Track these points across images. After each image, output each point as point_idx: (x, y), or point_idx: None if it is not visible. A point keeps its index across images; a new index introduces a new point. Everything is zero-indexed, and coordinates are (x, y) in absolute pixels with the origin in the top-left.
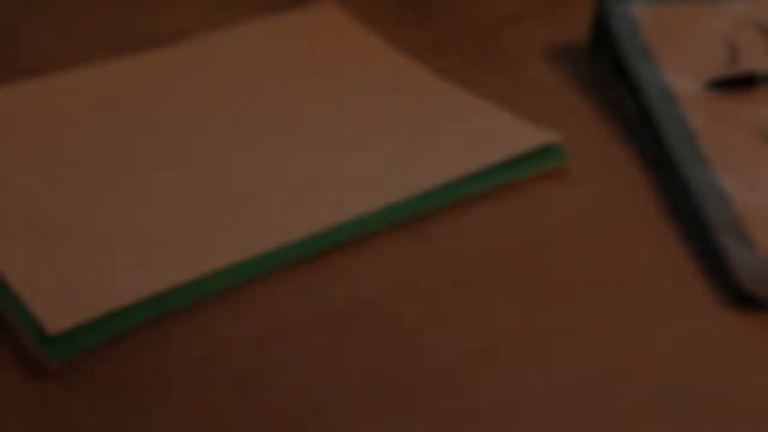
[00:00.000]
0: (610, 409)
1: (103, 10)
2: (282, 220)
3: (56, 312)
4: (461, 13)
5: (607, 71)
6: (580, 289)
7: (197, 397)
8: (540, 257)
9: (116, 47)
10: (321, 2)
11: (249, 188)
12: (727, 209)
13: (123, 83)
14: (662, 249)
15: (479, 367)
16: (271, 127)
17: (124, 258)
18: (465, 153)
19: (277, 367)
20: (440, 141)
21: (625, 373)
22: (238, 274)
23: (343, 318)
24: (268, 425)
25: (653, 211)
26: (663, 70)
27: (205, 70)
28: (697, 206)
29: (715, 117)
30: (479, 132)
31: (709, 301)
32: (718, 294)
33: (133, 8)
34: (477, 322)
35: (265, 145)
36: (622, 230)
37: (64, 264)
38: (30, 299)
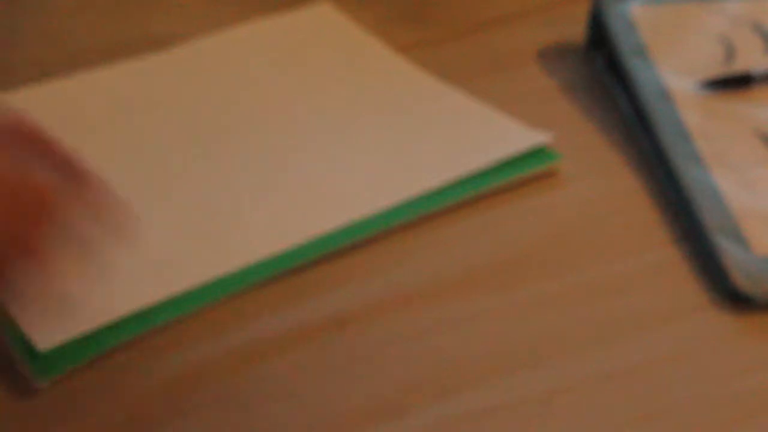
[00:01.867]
0: (605, 409)
1: (100, 12)
2: (272, 230)
3: (46, 329)
4: (458, 13)
5: (604, 71)
6: (576, 289)
7: (186, 414)
8: (536, 258)
9: (114, 48)
10: (318, 3)
11: (240, 197)
12: (722, 209)
13: (121, 88)
14: (657, 249)
15: (479, 367)
16: (264, 131)
17: (112, 274)
18: (455, 156)
19: (275, 377)
20: (431, 143)
21: (620, 373)
22: (227, 286)
23: (337, 324)
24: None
25: (648, 212)
26: (659, 70)
27: (203, 73)
28: (692, 206)
29: (710, 116)
30: (470, 134)
31: (704, 300)
32: (713, 294)
33: (130, 10)
34: (476, 324)
35: (259, 149)
36: (617, 231)
37: (53, 281)
38: (20, 317)
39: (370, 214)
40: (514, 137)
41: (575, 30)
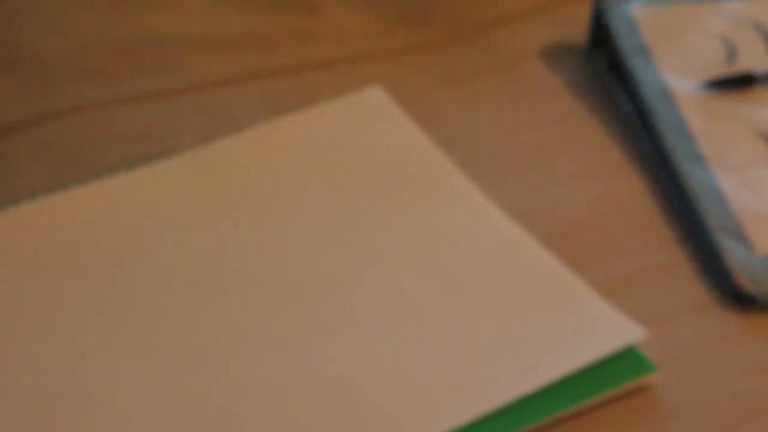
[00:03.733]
0: (606, 410)
1: (100, 11)
2: None
3: None
4: (459, 13)
5: (605, 71)
6: None
7: None
8: None
9: (114, 47)
10: (367, 90)
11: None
12: (724, 209)
13: (125, 202)
14: (659, 249)
15: None
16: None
17: None
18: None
19: None
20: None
21: None
22: None
23: None
24: None
25: (650, 212)
26: (661, 70)
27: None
28: (694, 206)
29: (712, 116)
30: (553, 321)
31: (706, 300)
32: (715, 294)
33: (130, 9)
34: None
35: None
36: (618, 231)
37: None
38: None
39: None
40: (602, 332)
41: (577, 30)
